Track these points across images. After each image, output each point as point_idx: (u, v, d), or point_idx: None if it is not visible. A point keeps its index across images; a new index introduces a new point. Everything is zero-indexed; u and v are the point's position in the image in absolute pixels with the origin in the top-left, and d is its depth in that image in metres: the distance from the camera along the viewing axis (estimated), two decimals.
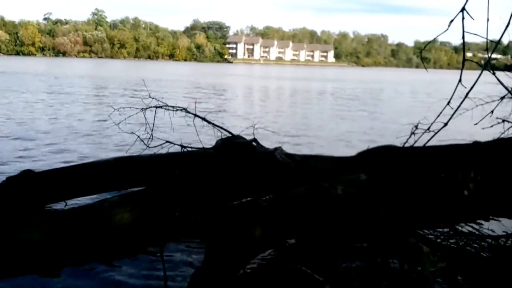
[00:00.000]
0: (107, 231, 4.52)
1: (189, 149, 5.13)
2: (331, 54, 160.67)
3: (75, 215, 4.50)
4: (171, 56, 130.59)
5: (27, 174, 5.52)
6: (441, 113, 2.10)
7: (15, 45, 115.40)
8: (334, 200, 3.93)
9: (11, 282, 3.73)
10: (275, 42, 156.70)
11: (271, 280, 3.10)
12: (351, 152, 5.31)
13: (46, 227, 4.24)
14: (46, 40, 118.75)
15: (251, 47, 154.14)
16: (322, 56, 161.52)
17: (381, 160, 4.44)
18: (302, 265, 3.15)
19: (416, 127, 3.45)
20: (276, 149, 4.56)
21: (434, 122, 2.17)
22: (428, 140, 2.21)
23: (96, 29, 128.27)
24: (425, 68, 2.92)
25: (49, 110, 15.27)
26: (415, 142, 2.54)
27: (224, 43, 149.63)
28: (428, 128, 2.21)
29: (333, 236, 3.57)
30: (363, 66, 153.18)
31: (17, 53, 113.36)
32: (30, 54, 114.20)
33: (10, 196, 5.32)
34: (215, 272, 3.45)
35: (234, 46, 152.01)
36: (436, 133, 2.15)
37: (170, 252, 4.15)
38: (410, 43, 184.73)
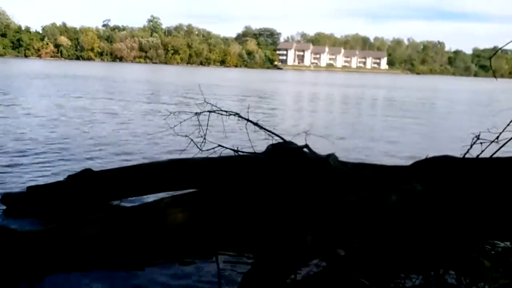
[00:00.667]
0: (161, 230, 4.65)
1: (241, 153, 5.18)
2: (384, 61, 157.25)
3: (131, 213, 4.67)
4: (222, 62, 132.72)
5: (86, 172, 5.80)
6: (510, 124, 1.99)
7: (76, 50, 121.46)
8: (388, 210, 3.83)
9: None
10: (326, 49, 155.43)
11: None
12: (404, 162, 5.18)
13: (103, 224, 4.43)
14: (104, 46, 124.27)
15: (301, 53, 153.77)
16: (374, 63, 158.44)
17: (438, 170, 4.28)
18: (353, 274, 3.09)
19: (478, 137, 3.30)
20: (329, 155, 4.51)
21: (502, 132, 2.06)
22: (496, 151, 2.10)
23: (151, 35, 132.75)
24: (495, 76, 2.83)
25: (108, 113, 15.95)
26: (482, 152, 2.42)
27: (275, 50, 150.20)
28: (497, 138, 2.10)
29: (386, 246, 3.47)
30: (418, 73, 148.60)
31: (77, 58, 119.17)
32: (89, 59, 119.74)
33: (71, 193, 5.61)
34: (264, 276, 3.46)
35: (284, 52, 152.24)
36: (504, 144, 2.05)
37: (224, 252, 4.20)
38: (468, 50, 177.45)
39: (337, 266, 3.22)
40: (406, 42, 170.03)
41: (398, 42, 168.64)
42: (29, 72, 39.29)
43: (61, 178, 6.03)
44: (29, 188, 5.79)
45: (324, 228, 3.71)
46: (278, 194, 3.73)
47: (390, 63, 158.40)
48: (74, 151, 9.10)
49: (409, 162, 5.34)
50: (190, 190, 5.36)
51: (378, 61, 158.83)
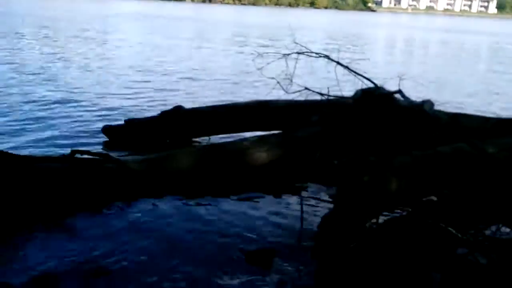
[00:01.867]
0: (245, 168, 4.79)
1: (328, 97, 5.06)
2: (493, 5, 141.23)
3: (219, 150, 4.85)
4: (312, 4, 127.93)
5: (177, 109, 6.07)
6: None
7: None
8: (485, 163, 3.57)
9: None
10: None
11: (403, 234, 3.00)
12: (505, 114, 4.74)
13: (193, 158, 4.66)
14: None
15: None
16: (481, 6, 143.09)
17: None
18: (437, 221, 2.97)
19: None
20: (424, 102, 4.24)
21: None
22: None
23: None
24: None
25: (196, 53, 16.36)
26: None
27: None
28: None
29: (478, 199, 3.27)
30: None
31: None
32: None
33: (163, 128, 5.94)
34: (345, 218, 3.46)
35: None
36: None
37: (308, 192, 4.27)
38: None
39: (422, 212, 3.11)
40: None
41: None
42: (118, 12, 40.99)
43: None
44: (126, 121, 6.21)
45: (410, 176, 3.57)
46: (365, 139, 3.62)
47: (500, 6, 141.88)
48: (165, 87, 9.54)
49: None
50: (275, 132, 5.41)
51: (486, 4, 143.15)
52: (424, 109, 3.99)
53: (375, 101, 4.75)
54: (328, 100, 5.08)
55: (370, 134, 3.62)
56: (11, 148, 4.97)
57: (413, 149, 3.20)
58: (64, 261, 3.14)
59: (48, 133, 6.15)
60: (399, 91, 4.41)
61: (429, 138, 3.70)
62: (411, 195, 3.68)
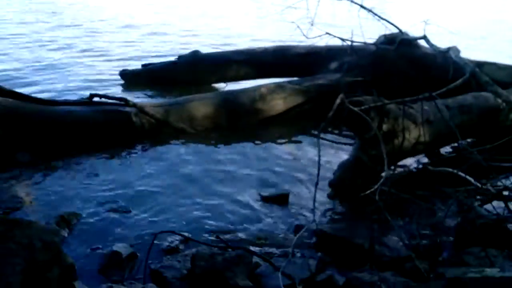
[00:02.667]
0: (262, 115, 4.77)
1: (349, 42, 4.90)
2: None
3: (235, 96, 4.80)
4: None
5: (195, 54, 5.98)
6: None
7: None
8: (508, 113, 3.47)
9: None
10: None
11: (420, 183, 2.98)
12: None
13: (210, 104, 4.65)
14: None
15: None
16: None
17: None
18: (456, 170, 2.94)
19: None
20: (450, 48, 4.08)
21: None
22: None
23: None
24: None
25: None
26: None
27: None
28: None
29: (500, 149, 3.21)
30: None
31: None
32: None
33: (180, 73, 5.89)
34: (361, 166, 3.45)
35: None
36: None
37: (326, 140, 4.25)
38: None
39: (440, 162, 3.07)
40: None
41: None
42: None
43: None
44: (143, 65, 6.17)
45: (432, 124, 3.51)
46: (387, 88, 3.54)
47: None
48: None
49: None
50: (292, 78, 5.32)
51: None
52: (449, 55, 3.84)
53: (399, 47, 4.59)
54: (349, 46, 4.92)
55: (392, 81, 3.53)
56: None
57: (436, 97, 3.11)
58: (86, 201, 3.23)
59: (65, 80, 6.17)
60: (424, 37, 4.24)
61: (453, 85, 3.58)
62: (431, 145, 3.64)
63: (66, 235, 2.82)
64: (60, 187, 3.44)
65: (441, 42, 4.99)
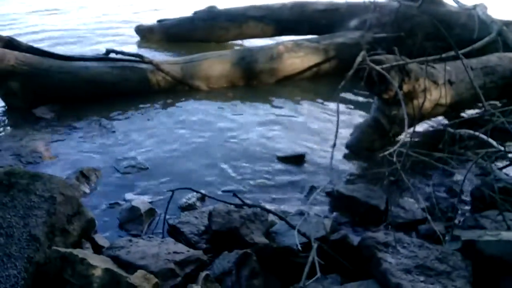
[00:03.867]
0: (279, 73, 4.71)
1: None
2: None
3: (251, 54, 4.72)
4: None
5: (211, 9, 5.85)
6: None
7: None
8: None
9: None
10: None
11: (439, 145, 2.94)
12: None
13: (226, 62, 4.59)
14: None
15: None
16: None
17: None
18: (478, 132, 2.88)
19: None
20: (477, 5, 3.90)
21: None
22: None
23: None
24: None
25: None
26: None
27: None
28: None
29: None
30: None
31: None
32: None
33: (195, 28, 5.78)
34: (378, 126, 3.41)
35: None
36: None
37: (345, 100, 4.23)
38: None
39: (462, 123, 3.01)
40: None
41: None
42: None
43: None
44: (159, 21, 6.08)
45: (454, 85, 3.42)
46: (409, 46, 3.43)
47: None
48: None
49: None
50: (310, 36, 5.20)
51: None
52: (475, 13, 3.67)
53: (422, 4, 4.42)
54: (371, 2, 4.75)
55: (415, 39, 3.41)
56: None
57: (460, 56, 3.00)
58: (105, 158, 3.27)
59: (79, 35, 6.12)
60: None
61: (478, 44, 3.45)
62: (452, 106, 3.56)
63: (86, 190, 2.88)
64: (78, 143, 3.48)
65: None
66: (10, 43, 4.04)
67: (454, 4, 4.53)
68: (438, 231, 2.32)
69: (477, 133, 2.79)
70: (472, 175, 3.03)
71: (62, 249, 1.98)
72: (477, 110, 3.80)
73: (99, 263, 1.92)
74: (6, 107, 4.00)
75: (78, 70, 4.12)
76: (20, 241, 1.99)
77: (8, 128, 3.74)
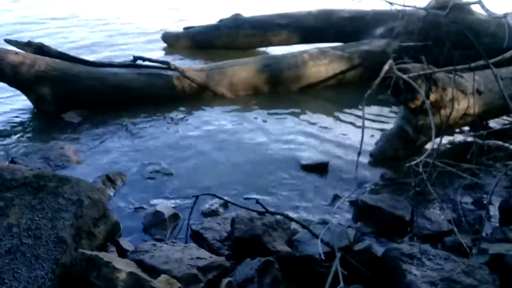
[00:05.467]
0: (304, 81, 4.70)
1: (398, 6, 4.67)
2: None
3: (277, 61, 4.74)
4: None
5: (237, 17, 5.91)
6: None
7: None
8: None
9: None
10: None
11: (467, 156, 2.88)
12: None
13: (251, 69, 4.62)
14: None
15: None
16: None
17: None
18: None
19: None
20: (508, 14, 3.82)
21: None
22: None
23: None
24: None
25: None
26: None
27: None
28: None
29: None
30: None
31: None
32: None
33: (221, 36, 5.84)
34: (404, 136, 3.37)
35: None
36: None
37: (370, 109, 4.20)
38: None
39: (488, 134, 2.95)
40: None
41: None
42: None
43: None
44: (185, 28, 6.16)
45: (482, 95, 3.36)
46: (437, 55, 3.38)
47: None
48: None
49: None
50: (336, 44, 5.18)
51: None
52: (506, 21, 3.60)
53: (450, 12, 4.35)
54: (398, 10, 4.70)
55: (442, 47, 3.36)
56: None
57: (490, 66, 2.94)
58: (131, 163, 3.33)
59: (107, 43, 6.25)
60: (479, 2, 3.98)
61: (509, 54, 3.37)
62: (480, 116, 3.49)
63: (111, 194, 2.93)
64: (105, 148, 3.55)
65: (498, 8, 4.71)
66: (41, 49, 4.16)
67: (484, 13, 4.43)
68: (464, 244, 2.27)
69: (506, 145, 2.72)
70: (501, 187, 2.95)
71: (88, 252, 2.02)
72: (506, 121, 3.72)
73: (124, 267, 1.95)
74: (36, 112, 4.11)
75: (107, 76, 4.20)
76: (48, 243, 2.03)
77: (38, 132, 3.84)
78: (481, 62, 2.98)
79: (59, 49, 4.36)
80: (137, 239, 2.53)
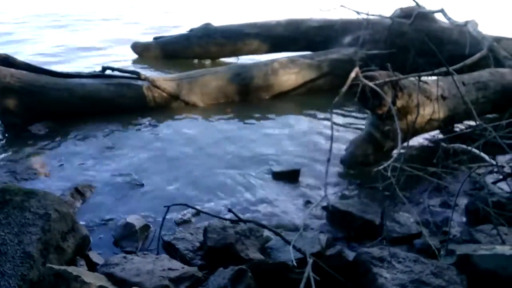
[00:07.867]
0: (274, 89, 4.74)
1: (365, 15, 4.79)
2: None
3: (247, 70, 4.76)
4: None
5: (207, 26, 5.91)
6: None
7: None
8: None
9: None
10: None
11: (433, 160, 2.96)
12: None
13: (222, 78, 4.63)
14: None
15: None
16: None
17: None
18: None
19: None
20: (468, 22, 3.97)
21: None
22: None
23: None
24: None
25: None
26: None
27: None
28: None
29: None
30: None
31: None
32: None
33: (191, 46, 5.83)
34: (372, 141, 3.43)
35: None
36: None
37: (338, 115, 4.27)
38: None
39: (455, 138, 3.04)
40: None
41: None
42: None
43: None
44: (155, 38, 6.13)
45: (447, 100, 3.46)
46: (402, 62, 3.48)
47: None
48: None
49: None
50: (305, 52, 5.25)
51: None
52: (467, 29, 3.74)
53: (415, 21, 4.49)
54: (364, 19, 4.82)
55: (407, 55, 3.46)
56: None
57: (452, 72, 3.05)
58: (100, 174, 3.27)
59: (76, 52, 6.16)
60: (442, 10, 4.13)
61: (470, 60, 3.50)
62: (445, 121, 3.59)
63: (80, 206, 2.87)
64: (74, 159, 3.48)
65: (459, 16, 4.88)
66: (6, 60, 4.07)
67: (446, 21, 4.59)
68: (433, 246, 2.32)
69: (470, 148, 2.81)
70: (466, 189, 3.04)
71: (56, 267, 1.97)
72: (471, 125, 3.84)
73: (94, 281, 1.91)
74: (2, 124, 4.00)
75: (74, 87, 4.13)
76: (14, 259, 1.98)
77: (4, 145, 3.74)
78: (444, 69, 3.09)
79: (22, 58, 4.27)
80: (107, 252, 2.48)
